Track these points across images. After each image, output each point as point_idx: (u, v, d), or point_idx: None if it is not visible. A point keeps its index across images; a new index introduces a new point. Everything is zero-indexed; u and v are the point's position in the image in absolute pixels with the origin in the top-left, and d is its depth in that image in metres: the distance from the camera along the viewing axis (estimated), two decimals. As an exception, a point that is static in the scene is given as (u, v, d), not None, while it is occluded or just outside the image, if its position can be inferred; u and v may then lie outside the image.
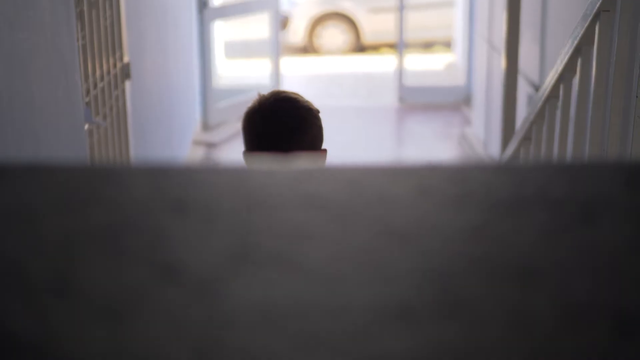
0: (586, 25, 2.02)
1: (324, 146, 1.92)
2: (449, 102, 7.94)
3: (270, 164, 0.58)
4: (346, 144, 6.73)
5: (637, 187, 0.54)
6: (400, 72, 7.94)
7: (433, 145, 6.84)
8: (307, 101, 1.90)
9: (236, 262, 0.44)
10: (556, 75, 2.32)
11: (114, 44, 3.43)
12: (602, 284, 0.44)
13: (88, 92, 2.93)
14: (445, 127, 7.33)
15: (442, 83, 8.81)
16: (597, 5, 1.92)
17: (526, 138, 2.78)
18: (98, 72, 3.11)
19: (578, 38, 2.09)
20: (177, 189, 0.53)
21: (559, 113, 2.35)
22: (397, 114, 7.89)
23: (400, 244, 0.46)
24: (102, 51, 3.19)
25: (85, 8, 2.90)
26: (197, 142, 6.60)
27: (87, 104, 2.90)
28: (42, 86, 2.25)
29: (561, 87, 2.30)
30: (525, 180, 0.55)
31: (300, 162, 0.57)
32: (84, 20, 2.90)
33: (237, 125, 6.95)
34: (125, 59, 3.62)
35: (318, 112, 1.89)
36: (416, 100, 7.97)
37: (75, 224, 0.48)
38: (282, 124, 1.82)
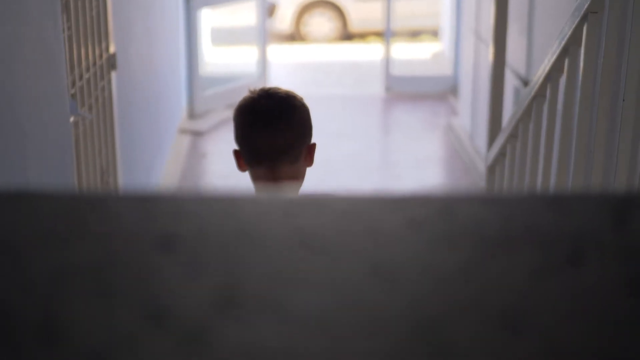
0: (574, 26, 2.02)
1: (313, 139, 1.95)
2: (436, 91, 7.94)
3: (259, 188, 0.57)
4: (332, 133, 6.72)
5: (623, 223, 0.54)
6: (387, 61, 7.93)
7: (419, 135, 6.85)
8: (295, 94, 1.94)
9: (223, 307, 0.44)
10: (543, 75, 2.32)
11: (100, 35, 3.41)
12: (590, 330, 0.44)
13: (74, 83, 2.91)
14: (431, 116, 7.33)
15: (428, 72, 8.81)
16: (585, 6, 1.92)
17: (512, 135, 2.79)
18: (84, 64, 3.09)
19: (566, 38, 2.09)
20: (165, 222, 0.53)
21: (545, 111, 2.36)
22: (383, 103, 7.88)
23: (389, 287, 0.46)
24: (88, 42, 3.17)
25: (71, -1, 2.88)
26: (183, 131, 6.57)
27: (73, 95, 2.89)
28: (27, 79, 2.23)
29: (548, 86, 2.31)
30: (513, 215, 0.55)
31: (288, 189, 0.57)
32: (70, 11, 2.88)
33: (224, 114, 6.95)
34: (112, 50, 3.60)
35: (308, 107, 1.92)
36: (403, 90, 7.96)
37: (61, 261, 0.48)
38: (269, 109, 1.85)
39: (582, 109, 1.98)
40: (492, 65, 3.60)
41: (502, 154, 3.01)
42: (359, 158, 6.23)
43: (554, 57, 2.19)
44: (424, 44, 10.40)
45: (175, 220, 0.53)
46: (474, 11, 6.04)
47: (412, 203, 0.56)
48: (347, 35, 11.10)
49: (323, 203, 0.55)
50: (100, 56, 3.42)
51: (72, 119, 2.79)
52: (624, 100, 1.68)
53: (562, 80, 2.24)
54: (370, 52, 10.14)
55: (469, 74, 6.33)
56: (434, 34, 10.18)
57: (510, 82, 4.48)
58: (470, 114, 6.25)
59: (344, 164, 6.03)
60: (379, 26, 9.58)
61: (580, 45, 2.03)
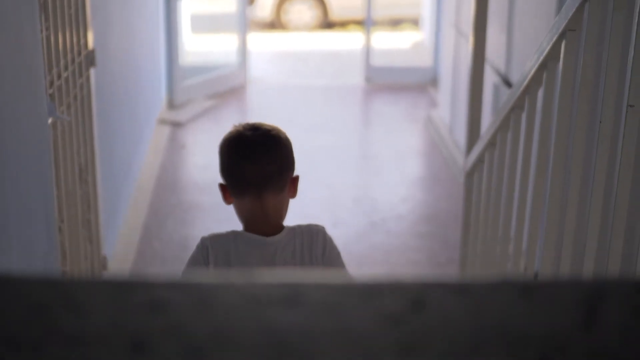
0: (552, 42, 2.03)
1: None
2: (416, 82, 7.95)
3: (232, 274, 0.58)
4: (312, 125, 6.72)
5: (593, 319, 0.55)
6: (367, 51, 7.93)
7: (399, 127, 6.86)
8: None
9: None
10: (521, 88, 2.33)
11: (79, 32, 3.39)
12: None
13: (52, 83, 2.90)
14: (411, 108, 7.34)
15: (409, 63, 8.82)
16: (564, 24, 1.93)
17: (491, 143, 2.80)
18: (62, 62, 3.07)
19: (544, 54, 2.10)
20: (138, 318, 0.53)
21: (523, 122, 2.37)
22: (363, 94, 7.89)
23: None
24: (67, 40, 3.15)
25: (49, -2, 2.86)
26: (162, 121, 6.55)
27: (51, 96, 2.87)
28: (4, 81, 2.22)
29: (526, 98, 2.32)
30: (484, 309, 0.55)
31: (263, 276, 0.57)
32: (48, 11, 2.86)
33: (204, 104, 6.94)
34: (90, 46, 3.58)
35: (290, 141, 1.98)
36: (383, 80, 7.97)
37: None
38: (255, 140, 1.92)
39: (560, 124, 2.00)
40: (471, 65, 3.60)
41: (480, 160, 3.03)
42: (338, 150, 6.23)
43: (533, 71, 2.21)
44: (404, 32, 10.40)
45: (147, 316, 0.53)
46: (455, 4, 6.04)
47: (385, 293, 0.57)
48: (328, 24, 11.08)
49: (296, 295, 0.56)
50: (79, 53, 3.40)
51: (50, 121, 2.77)
52: (600, 122, 1.69)
53: (540, 92, 2.26)
54: (350, 41, 10.13)
55: (449, 65, 6.34)
56: (415, 22, 10.18)
57: (489, 79, 4.49)
58: (449, 106, 6.26)
59: (323, 156, 6.03)
60: (359, 14, 9.58)
61: (558, 61, 2.04)
